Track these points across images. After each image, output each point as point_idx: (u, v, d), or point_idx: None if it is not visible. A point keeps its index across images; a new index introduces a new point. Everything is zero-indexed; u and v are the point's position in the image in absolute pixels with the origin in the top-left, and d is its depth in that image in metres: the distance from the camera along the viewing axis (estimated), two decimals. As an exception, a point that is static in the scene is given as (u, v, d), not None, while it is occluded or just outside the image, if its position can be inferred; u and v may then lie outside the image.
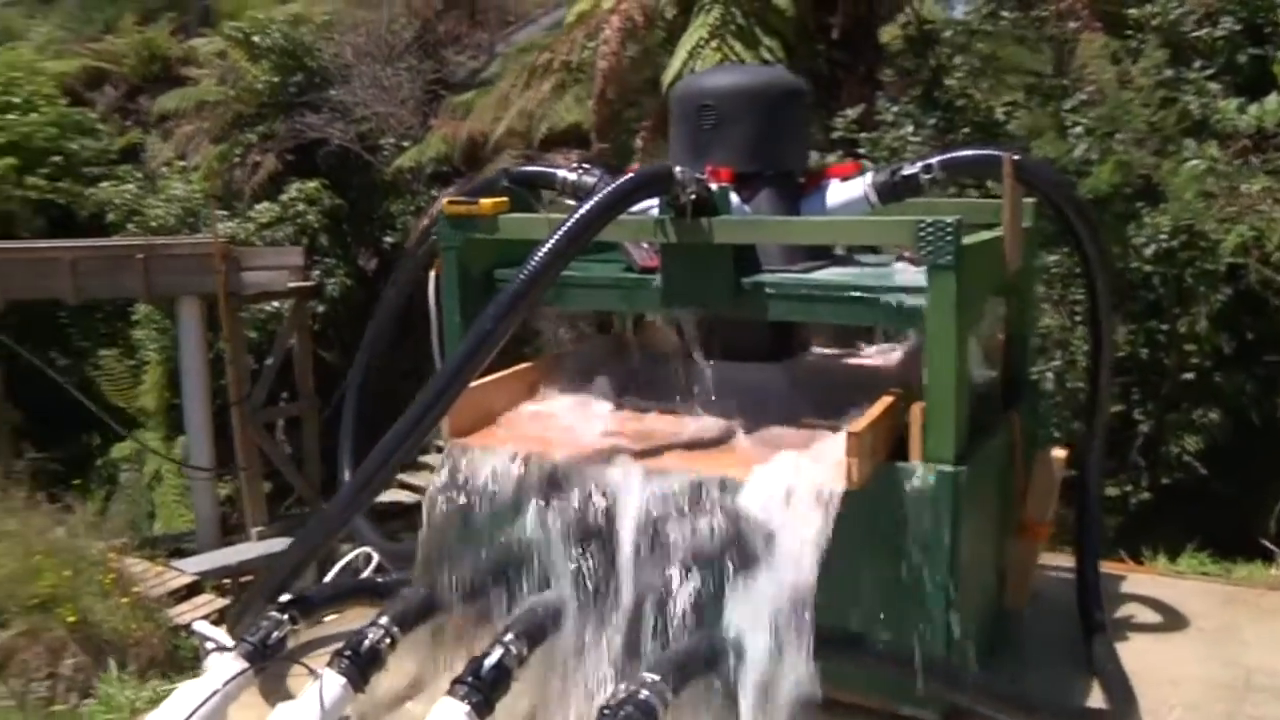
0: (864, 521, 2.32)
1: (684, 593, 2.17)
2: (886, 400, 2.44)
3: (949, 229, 2.26)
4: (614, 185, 2.40)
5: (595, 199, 2.36)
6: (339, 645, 2.38)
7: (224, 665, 2.46)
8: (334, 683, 2.27)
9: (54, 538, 8.39)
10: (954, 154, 2.90)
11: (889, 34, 7.58)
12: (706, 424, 2.68)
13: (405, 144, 14.08)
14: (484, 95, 10.69)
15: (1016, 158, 2.69)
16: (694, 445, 2.54)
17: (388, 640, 2.36)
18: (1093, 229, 2.92)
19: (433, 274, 3.05)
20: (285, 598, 2.64)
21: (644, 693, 1.95)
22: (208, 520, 13.06)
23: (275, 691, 2.64)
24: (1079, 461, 3.15)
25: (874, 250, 3.08)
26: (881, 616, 2.37)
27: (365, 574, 3.22)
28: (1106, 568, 3.66)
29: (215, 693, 2.33)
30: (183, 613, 9.29)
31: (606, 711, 1.93)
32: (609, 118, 7.39)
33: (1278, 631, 3.16)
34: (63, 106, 17.03)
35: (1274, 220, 5.17)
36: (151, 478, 15.20)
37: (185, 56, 18.43)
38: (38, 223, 15.83)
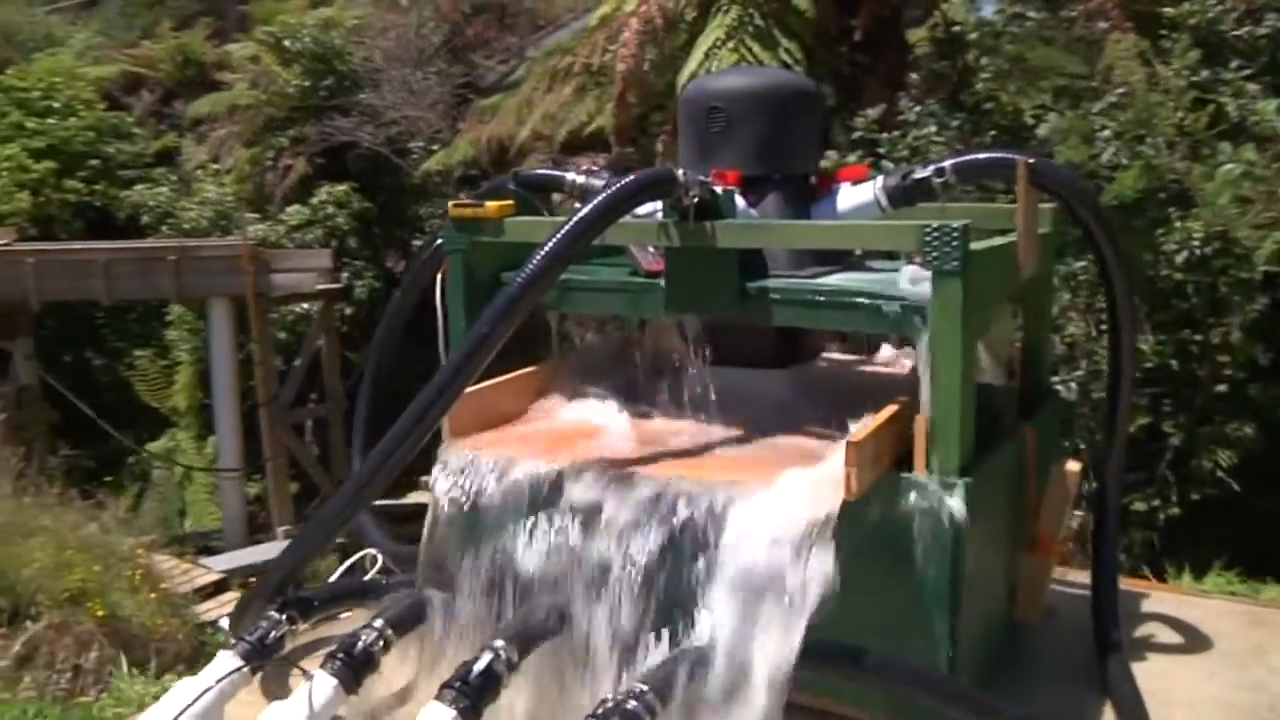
0: (866, 534, 2.27)
1: (677, 603, 2.12)
2: (891, 409, 2.38)
3: (955, 234, 2.20)
4: (614, 188, 2.36)
5: (594, 202, 2.32)
6: (332, 647, 2.36)
7: (220, 664, 2.45)
8: (325, 684, 2.25)
9: (86, 533, 8.52)
10: (967, 157, 2.83)
11: (916, 36, 7.49)
12: (709, 431, 2.63)
13: (434, 148, 14.13)
14: (509, 98, 10.69)
15: (1032, 161, 2.63)
16: (697, 453, 2.50)
17: (381, 643, 2.33)
18: (1112, 234, 2.84)
19: (439, 276, 3.05)
20: (284, 598, 2.62)
21: (631, 703, 1.91)
22: (235, 519, 13.18)
23: (279, 691, 2.62)
24: (1098, 474, 3.07)
25: (893, 256, 3.02)
26: (883, 631, 2.31)
27: (369, 575, 3.20)
28: (1128, 585, 3.57)
29: (208, 689, 2.32)
30: (209, 609, 9.40)
31: (593, 720, 1.89)
32: (629, 121, 7.35)
33: (1306, 656, 3.07)
34: (100, 111, 17.31)
35: (1314, 227, 5.04)
36: (183, 476, 15.36)
37: (220, 61, 18.65)
38: (76, 225, 16.09)
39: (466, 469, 2.48)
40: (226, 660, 2.43)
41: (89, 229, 15.94)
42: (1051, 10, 6.17)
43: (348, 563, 3.19)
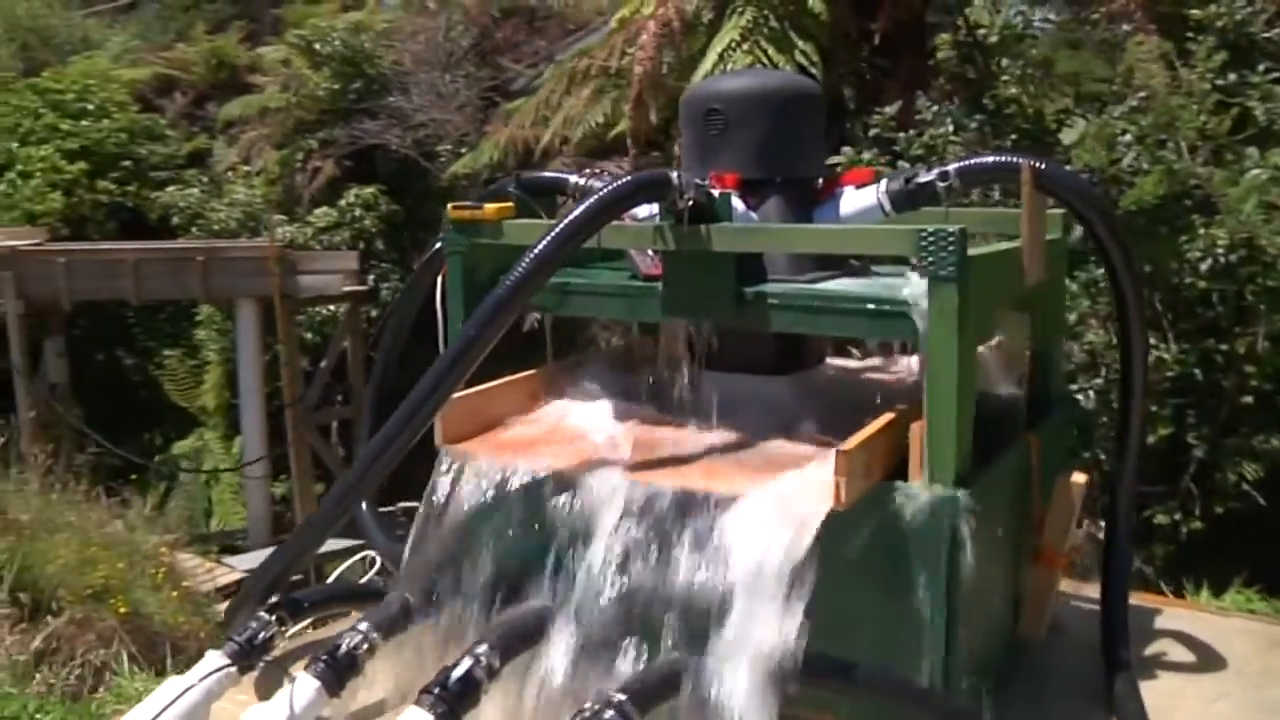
0: (860, 544, 2.23)
1: (659, 610, 2.09)
2: (888, 417, 2.33)
3: (950, 239, 2.15)
4: (605, 191, 2.33)
5: (584, 205, 2.29)
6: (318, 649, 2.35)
7: (208, 663, 2.45)
8: (308, 686, 2.23)
9: (111, 531, 8.58)
10: (971, 161, 2.78)
11: (941, 40, 7.41)
12: (706, 437, 2.59)
13: (462, 151, 14.16)
14: (530, 101, 10.70)
15: (1037, 165, 2.58)
16: (689, 459, 2.46)
17: (366, 646, 2.32)
18: (1120, 241, 2.77)
19: (439, 278, 3.04)
20: (275, 599, 2.62)
21: (608, 713, 1.88)
22: (260, 519, 13.27)
23: (273, 692, 2.60)
24: (1110, 486, 3.01)
25: (905, 261, 2.97)
26: (877, 644, 2.26)
27: (367, 577, 3.19)
28: (1143, 600, 3.49)
29: (189, 688, 2.31)
30: (230, 608, 9.43)
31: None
32: (647, 124, 7.32)
33: (1326, 679, 2.98)
34: (134, 113, 17.48)
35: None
36: (209, 475, 15.49)
37: (252, 64, 18.81)
38: (109, 226, 16.27)
39: (456, 472, 2.45)
40: (214, 660, 2.43)
41: (122, 230, 16.11)
42: (1074, 13, 6.07)
43: (344, 565, 3.18)
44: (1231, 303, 5.19)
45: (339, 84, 15.34)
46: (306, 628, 3.11)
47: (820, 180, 2.93)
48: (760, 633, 1.99)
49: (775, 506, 2.11)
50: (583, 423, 2.67)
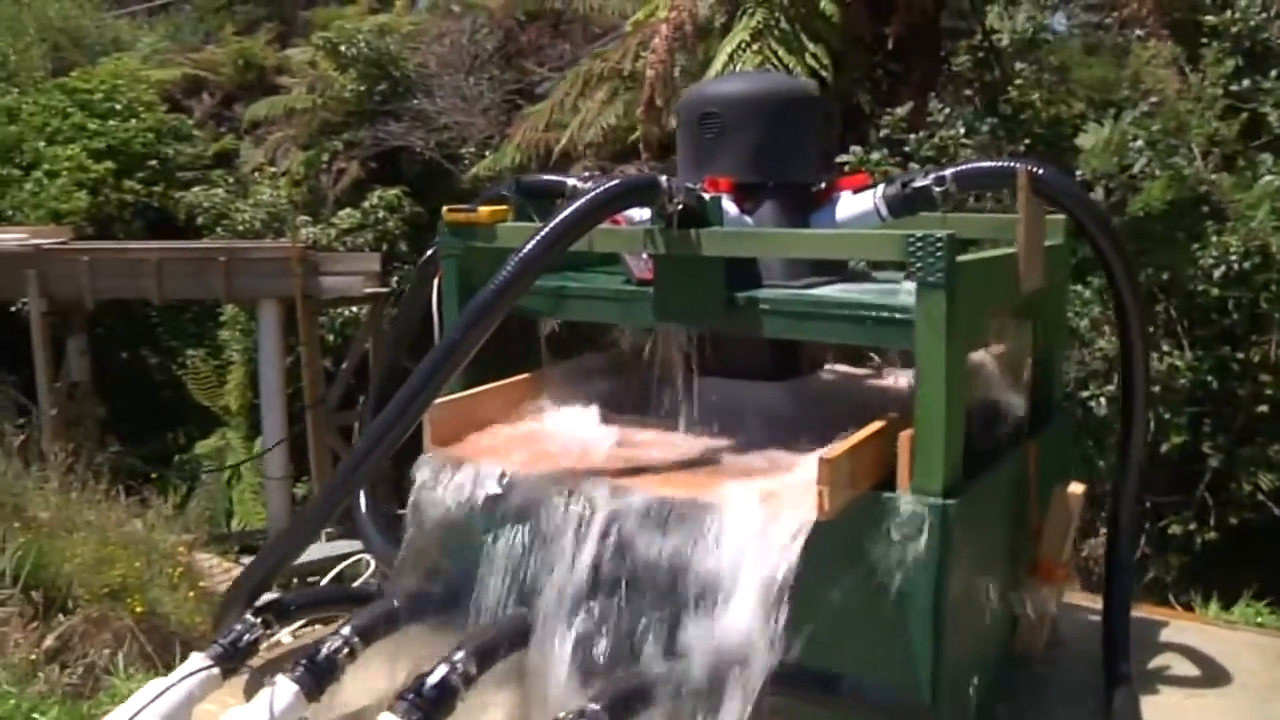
0: (845, 555, 2.20)
1: (636, 619, 2.06)
2: (876, 425, 2.30)
3: (938, 244, 2.11)
4: (591, 194, 2.31)
5: (571, 208, 2.27)
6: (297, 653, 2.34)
7: (191, 665, 2.45)
8: (287, 690, 2.22)
9: (129, 530, 8.62)
10: (968, 165, 2.74)
11: (960, 47, 7.35)
12: (695, 444, 2.57)
13: (485, 153, 14.19)
14: (546, 104, 10.70)
15: (1034, 170, 2.53)
16: (675, 466, 2.43)
17: (347, 650, 2.30)
18: (1121, 249, 2.72)
19: (435, 281, 3.03)
20: (261, 602, 2.61)
21: (582, 722, 1.86)
22: (280, 519, 13.31)
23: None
24: (1113, 496, 2.96)
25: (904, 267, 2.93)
26: (864, 657, 2.23)
27: (361, 580, 3.18)
28: (1149, 613, 3.43)
29: (169, 688, 2.31)
30: (247, 609, 9.46)
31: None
32: (659, 127, 7.28)
33: (1332, 696, 2.91)
34: (161, 113, 17.66)
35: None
36: (231, 475, 15.59)
37: (279, 66, 18.95)
38: (136, 225, 16.43)
39: (443, 477, 2.44)
40: (197, 662, 2.42)
41: (149, 229, 16.28)
42: (1089, 19, 6.01)
43: (338, 567, 3.18)
44: (1246, 310, 5.12)
45: (364, 86, 15.43)
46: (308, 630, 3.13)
47: (823, 184, 2.90)
48: (738, 643, 1.96)
49: (756, 515, 2.07)
50: (570, 427, 2.64)
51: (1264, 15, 5.38)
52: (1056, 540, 2.71)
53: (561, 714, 1.92)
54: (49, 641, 6.40)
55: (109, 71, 17.78)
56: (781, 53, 6.55)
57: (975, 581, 2.41)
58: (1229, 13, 5.41)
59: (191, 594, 8.44)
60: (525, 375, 2.92)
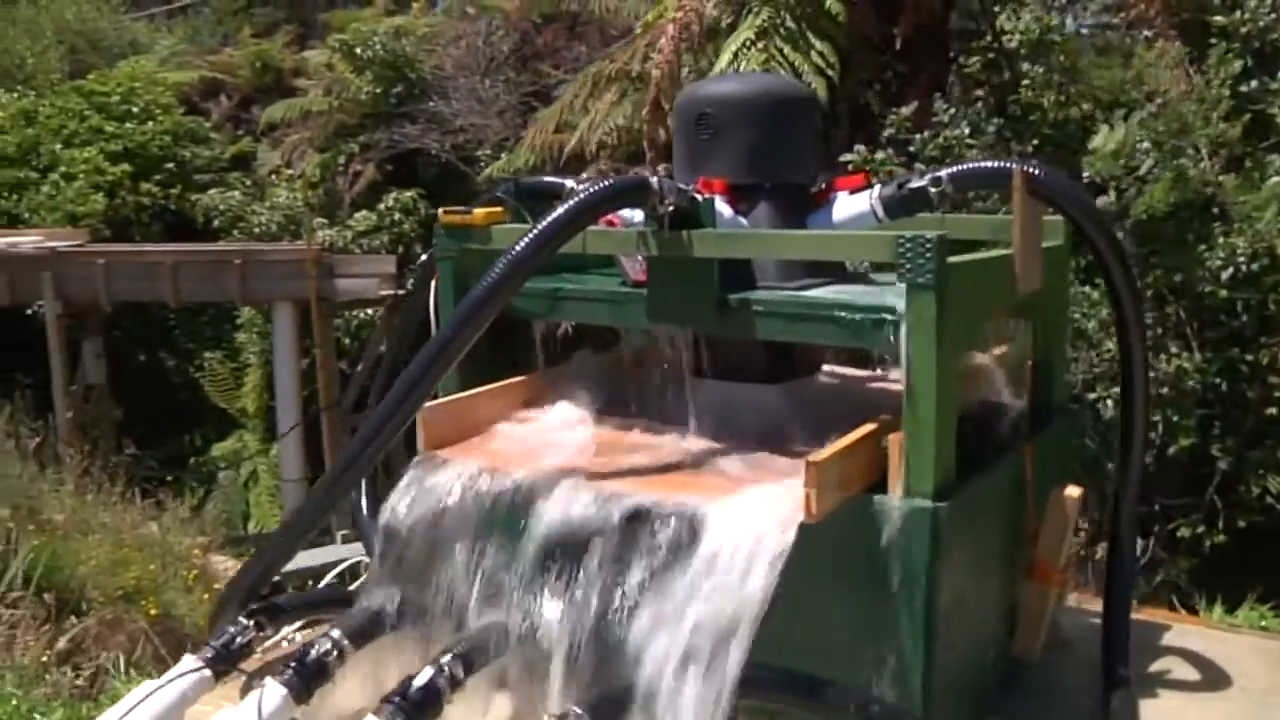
0: (835, 559, 2.18)
1: (623, 622, 2.05)
2: (868, 427, 2.28)
3: (928, 245, 2.10)
4: (582, 195, 2.31)
5: (561, 209, 2.27)
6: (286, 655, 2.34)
7: (183, 667, 2.45)
8: (275, 693, 2.22)
9: (145, 532, 8.66)
10: (965, 166, 2.72)
11: (970, 48, 7.31)
12: (687, 447, 2.55)
13: (501, 156, 14.21)
14: (556, 105, 10.71)
15: (1030, 171, 2.52)
16: (664, 469, 2.42)
17: (336, 653, 2.30)
18: (1118, 248, 2.71)
19: (432, 283, 3.03)
20: (254, 604, 2.61)
21: (563, 729, 1.86)
22: (295, 522, 13.31)
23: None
24: (1113, 499, 2.94)
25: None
26: (853, 662, 2.21)
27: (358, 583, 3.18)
28: (1153, 616, 3.41)
29: (158, 689, 2.31)
30: (262, 611, 9.48)
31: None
32: (665, 128, 7.26)
33: (1333, 700, 2.88)
34: (178, 116, 17.73)
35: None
36: (248, 477, 15.65)
37: (296, 68, 19.02)
38: (154, 228, 16.50)
39: (431, 479, 2.44)
40: (188, 664, 2.43)
41: (167, 232, 16.34)
42: (1098, 20, 5.97)
43: (337, 569, 3.18)
44: (1255, 312, 5.07)
45: (380, 88, 15.46)
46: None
47: (820, 185, 2.89)
48: (723, 647, 1.95)
49: (744, 518, 2.06)
50: (562, 430, 2.64)
51: (1273, 16, 5.34)
52: (1053, 543, 2.69)
53: (546, 717, 1.91)
54: (61, 644, 6.43)
55: (126, 74, 17.87)
56: (787, 50, 6.52)
57: (969, 585, 2.39)
58: (1238, 13, 5.37)
59: (206, 596, 8.45)
60: (521, 377, 2.91)
